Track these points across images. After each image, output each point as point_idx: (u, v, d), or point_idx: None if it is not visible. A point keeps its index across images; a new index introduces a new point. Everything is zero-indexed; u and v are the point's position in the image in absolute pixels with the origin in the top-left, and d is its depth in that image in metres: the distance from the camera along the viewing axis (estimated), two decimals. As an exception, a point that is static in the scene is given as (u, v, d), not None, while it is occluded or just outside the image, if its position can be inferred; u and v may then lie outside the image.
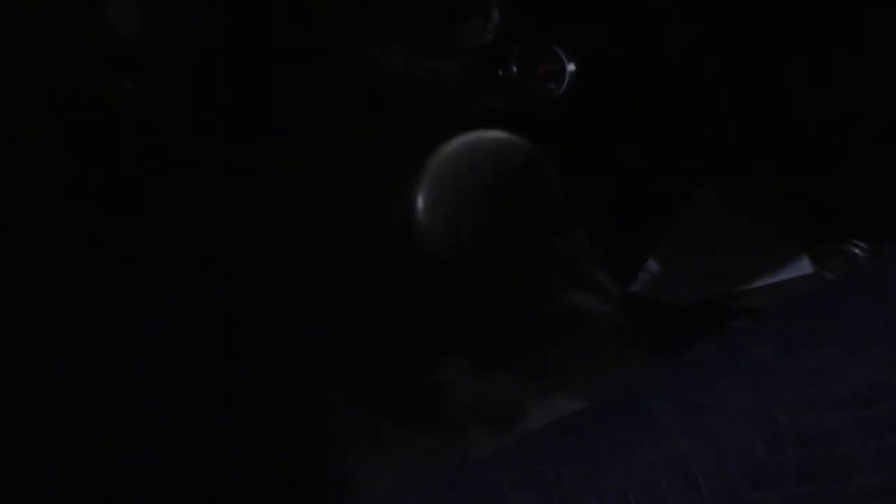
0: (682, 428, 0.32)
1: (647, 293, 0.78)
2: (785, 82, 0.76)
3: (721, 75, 0.77)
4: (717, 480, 0.30)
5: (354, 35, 0.67)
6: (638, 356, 0.71)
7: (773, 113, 0.77)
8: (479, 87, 0.72)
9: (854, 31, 0.72)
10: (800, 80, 0.75)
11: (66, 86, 0.59)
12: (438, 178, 0.59)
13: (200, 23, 0.59)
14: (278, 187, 0.66)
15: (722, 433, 0.31)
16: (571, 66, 0.70)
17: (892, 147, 0.72)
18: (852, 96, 0.74)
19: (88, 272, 0.60)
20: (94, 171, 0.60)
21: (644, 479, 0.31)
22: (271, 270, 0.67)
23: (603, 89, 0.73)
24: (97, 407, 0.59)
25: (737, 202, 0.80)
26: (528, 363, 0.69)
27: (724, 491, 0.30)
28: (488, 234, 0.60)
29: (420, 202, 0.59)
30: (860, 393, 0.30)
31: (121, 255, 0.61)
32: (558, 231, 0.66)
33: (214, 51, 0.62)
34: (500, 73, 0.71)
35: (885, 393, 0.30)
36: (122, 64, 0.60)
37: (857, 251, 0.75)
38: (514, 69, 0.70)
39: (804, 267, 0.76)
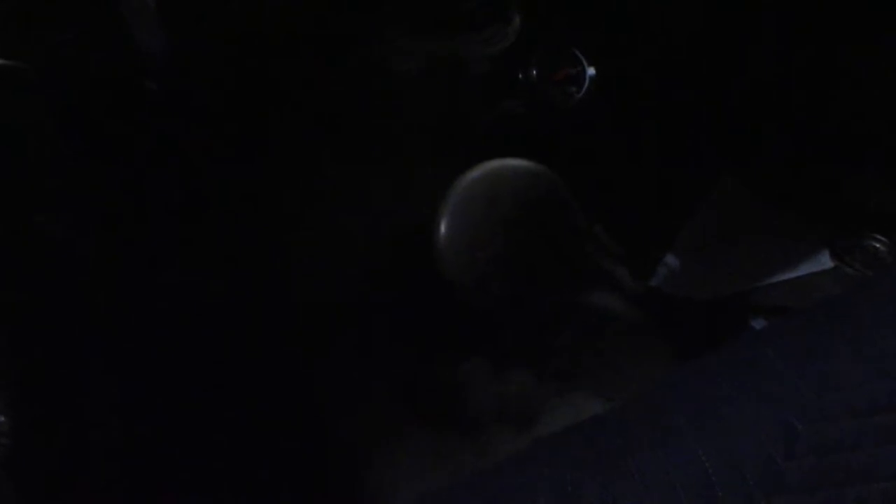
0: (699, 437, 0.33)
1: (667, 290, 0.78)
2: (809, 77, 0.75)
3: (743, 70, 0.76)
4: (734, 488, 0.31)
5: (375, 37, 0.67)
6: (659, 357, 0.71)
7: (795, 107, 0.76)
8: (500, 91, 0.72)
9: (877, 28, 0.71)
10: (823, 75, 0.75)
11: (96, 88, 0.60)
12: (459, 210, 0.60)
13: (217, 36, 0.60)
14: (299, 189, 0.67)
15: (738, 442, 0.32)
16: (591, 70, 0.70)
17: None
18: (874, 91, 0.73)
19: (111, 274, 0.61)
20: (121, 173, 0.61)
21: (661, 488, 0.31)
22: (294, 273, 0.67)
23: (622, 90, 0.73)
24: (126, 411, 0.60)
25: (758, 195, 0.80)
26: (549, 364, 0.69)
27: (741, 499, 0.30)
28: (508, 265, 0.60)
29: (441, 232, 0.60)
30: (877, 402, 0.30)
31: (146, 258, 0.62)
32: (579, 261, 0.67)
33: (232, 61, 0.62)
34: (521, 76, 0.71)
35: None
36: (147, 69, 0.61)
37: (877, 245, 0.74)
38: (534, 73, 0.70)
39: (824, 262, 0.76)
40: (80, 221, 0.61)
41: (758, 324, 0.74)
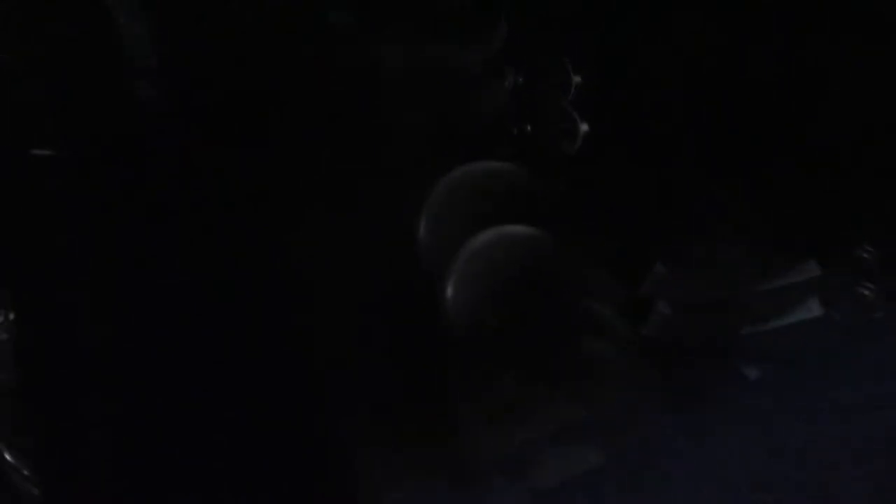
0: (694, 476, 0.33)
1: (662, 339, 0.78)
2: (797, 88, 0.76)
3: (729, 81, 0.76)
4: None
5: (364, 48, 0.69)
6: (653, 407, 0.71)
7: (786, 119, 0.76)
8: (489, 100, 0.73)
9: (867, 35, 0.72)
10: (812, 85, 0.75)
11: (89, 92, 0.61)
12: (464, 276, 0.65)
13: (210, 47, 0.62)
14: (299, 189, 0.67)
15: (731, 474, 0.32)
16: (577, 79, 0.71)
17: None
18: (865, 102, 0.74)
19: (111, 274, 0.61)
20: (121, 173, 0.62)
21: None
22: (293, 273, 0.68)
23: (610, 99, 0.74)
24: (126, 411, 0.60)
25: (747, 203, 0.79)
26: (544, 414, 0.69)
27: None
28: (513, 328, 0.65)
29: (448, 296, 0.65)
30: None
31: (146, 258, 0.62)
32: (582, 324, 0.70)
33: (224, 70, 0.64)
34: (507, 83, 0.72)
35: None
36: (141, 73, 0.62)
37: (865, 292, 0.75)
38: (521, 80, 0.71)
39: (814, 309, 0.76)
40: (80, 221, 0.62)
41: (751, 372, 0.74)
